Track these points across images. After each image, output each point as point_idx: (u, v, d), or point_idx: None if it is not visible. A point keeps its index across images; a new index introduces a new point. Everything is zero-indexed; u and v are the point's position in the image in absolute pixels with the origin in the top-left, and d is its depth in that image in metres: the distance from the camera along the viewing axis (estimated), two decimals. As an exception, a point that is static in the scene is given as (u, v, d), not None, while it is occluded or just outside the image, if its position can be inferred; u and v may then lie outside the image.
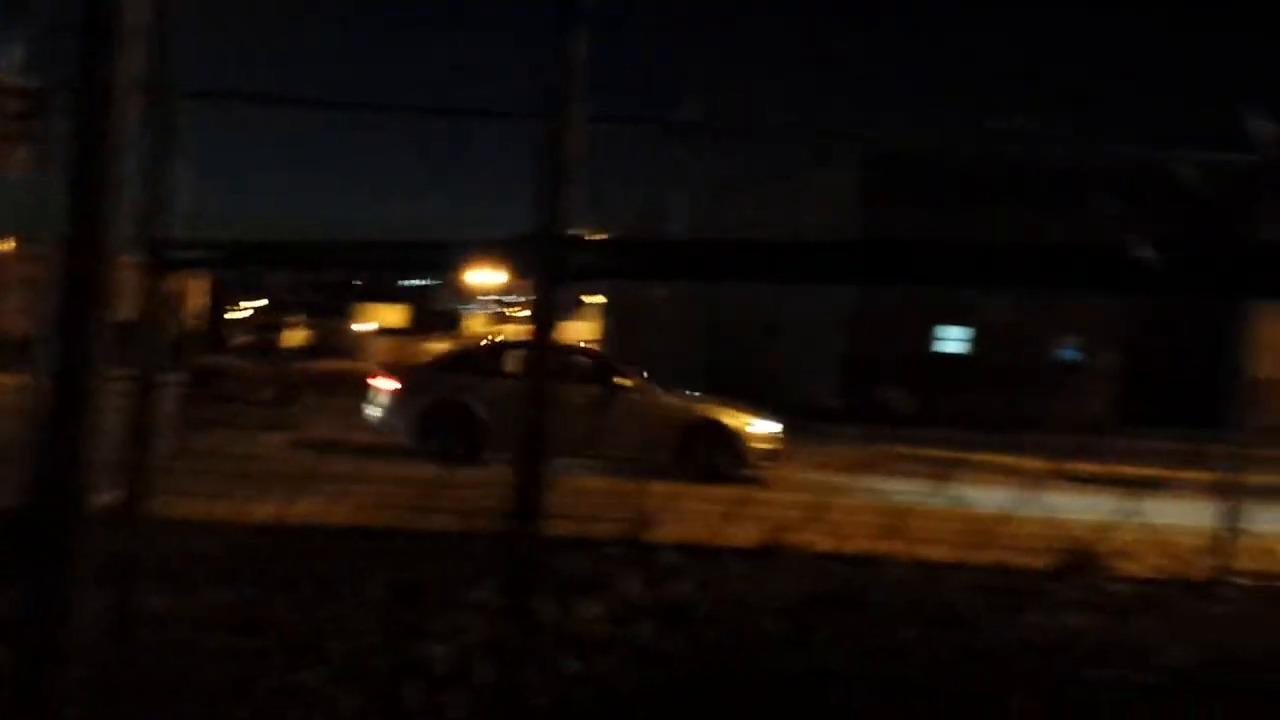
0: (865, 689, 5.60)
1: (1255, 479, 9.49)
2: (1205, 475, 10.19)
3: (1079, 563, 9.22)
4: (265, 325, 49.80)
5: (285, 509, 9.12)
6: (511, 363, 14.90)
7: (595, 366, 15.09)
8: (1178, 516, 10.91)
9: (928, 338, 30.50)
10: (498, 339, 16.64)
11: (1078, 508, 12.93)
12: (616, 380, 14.81)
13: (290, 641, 5.41)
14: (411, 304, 70.12)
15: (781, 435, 15.05)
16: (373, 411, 14.74)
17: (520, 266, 3.13)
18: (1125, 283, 2.37)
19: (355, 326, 63.22)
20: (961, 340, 30.47)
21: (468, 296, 53.57)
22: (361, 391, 15.63)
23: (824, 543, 9.27)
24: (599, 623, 4.09)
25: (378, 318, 66.10)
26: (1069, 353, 30.23)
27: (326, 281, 64.29)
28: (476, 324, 52.05)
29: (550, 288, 2.91)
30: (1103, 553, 9.38)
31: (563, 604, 2.87)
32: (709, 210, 29.79)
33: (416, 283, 71.25)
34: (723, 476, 14.12)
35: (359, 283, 68.96)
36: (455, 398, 14.40)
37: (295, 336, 52.84)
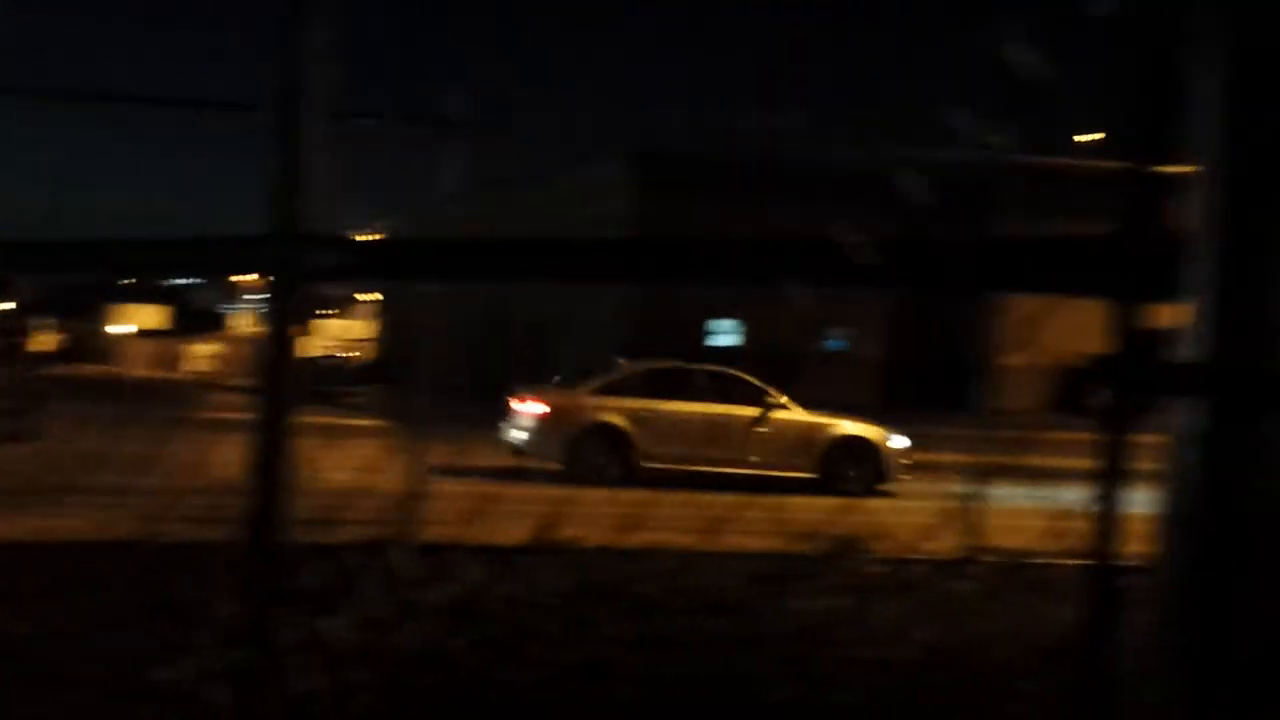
0: (637, 679, 5.63)
1: (1001, 459, 10.07)
2: (959, 458, 10.73)
3: (843, 546, 9.54)
4: (9, 329, 46.75)
5: (28, 524, 8.54)
6: (660, 387, 15.63)
7: (750, 389, 15.72)
8: (936, 497, 11.45)
9: (702, 331, 31.13)
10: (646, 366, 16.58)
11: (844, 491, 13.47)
12: (769, 400, 15.50)
13: (26, 666, 5.07)
14: (173, 304, 66.93)
15: (911, 449, 15.65)
16: (519, 435, 15.07)
17: (256, 267, 2.99)
18: (861, 277, 2.42)
19: (111, 329, 59.94)
20: (732, 333, 31.23)
21: (234, 295, 51.54)
22: (115, 396, 14.85)
23: (595, 536, 9.30)
24: (355, 630, 3.97)
25: (135, 319, 62.83)
26: (834, 343, 31.37)
27: (80, 282, 60.72)
28: (243, 324, 50.16)
29: (285, 288, 2.78)
30: (866, 535, 9.74)
31: (305, 615, 2.78)
32: (481, 207, 29.56)
33: (179, 281, 68.06)
34: (870, 491, 14.74)
35: (122, 282, 65.36)
36: (607, 421, 14.92)
37: (45, 340, 49.72)
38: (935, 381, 26.57)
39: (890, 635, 6.55)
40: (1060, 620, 6.53)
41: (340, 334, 44.04)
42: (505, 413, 15.62)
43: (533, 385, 16.14)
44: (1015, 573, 8.57)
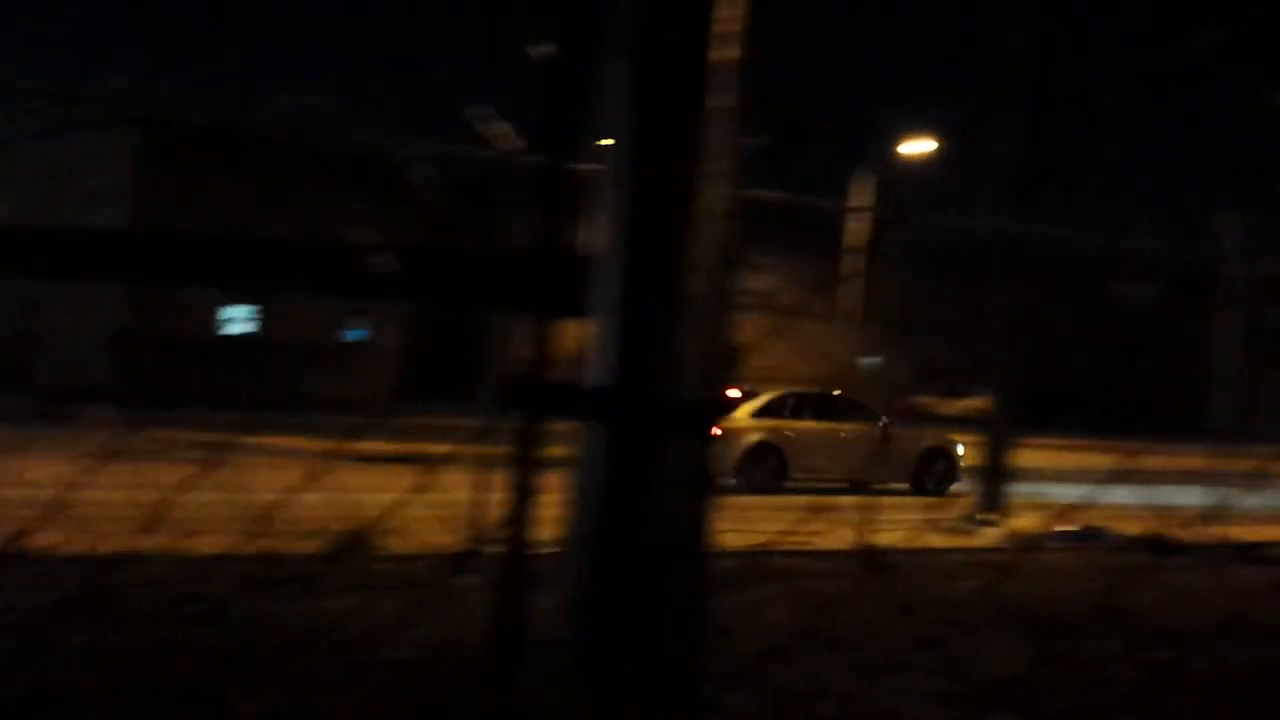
0: (109, 701, 5.18)
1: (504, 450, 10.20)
2: (484, 450, 10.76)
3: (350, 544, 9.35)
4: None
5: None
6: (796, 410, 18.22)
7: (862, 408, 18.85)
8: (455, 491, 11.45)
9: (214, 317, 29.60)
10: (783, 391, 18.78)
11: (359, 487, 13.15)
12: (880, 418, 18.40)
13: None
14: None
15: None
16: None
17: None
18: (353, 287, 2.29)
19: None
20: (248, 319, 29.93)
21: None
22: None
23: (75, 543, 8.51)
24: None
25: None
26: (354, 333, 30.91)
27: None
28: None
29: None
30: (375, 532, 9.59)
31: None
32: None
33: None
34: (944, 494, 17.51)
35: None
36: (767, 440, 17.39)
37: None
38: (453, 373, 26.85)
39: (388, 632, 6.47)
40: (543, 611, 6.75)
41: None
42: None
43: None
44: (520, 564, 8.75)
